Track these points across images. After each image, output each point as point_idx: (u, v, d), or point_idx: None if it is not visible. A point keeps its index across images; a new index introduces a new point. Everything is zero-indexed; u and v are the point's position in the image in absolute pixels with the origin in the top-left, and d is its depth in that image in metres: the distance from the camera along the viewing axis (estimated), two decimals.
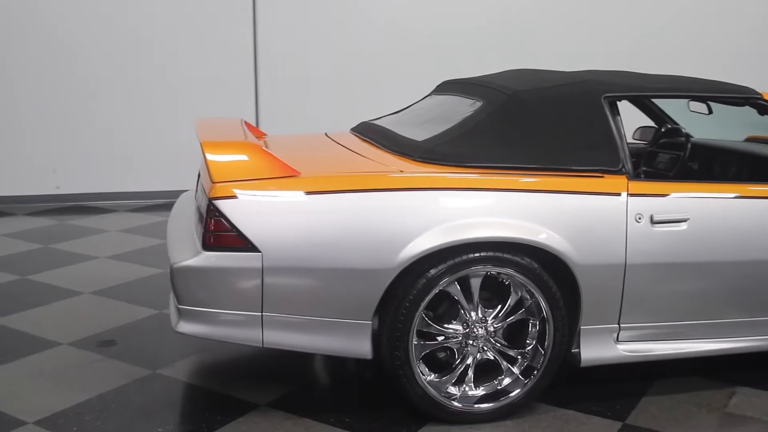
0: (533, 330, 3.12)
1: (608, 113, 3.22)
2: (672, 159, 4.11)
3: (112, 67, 6.81)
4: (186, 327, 2.95)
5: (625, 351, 3.21)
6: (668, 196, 3.16)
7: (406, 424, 3.06)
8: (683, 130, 4.15)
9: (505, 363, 3.11)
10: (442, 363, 3.12)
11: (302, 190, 2.90)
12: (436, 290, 2.95)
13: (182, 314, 2.94)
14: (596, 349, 3.18)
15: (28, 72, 6.67)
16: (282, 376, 3.50)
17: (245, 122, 3.95)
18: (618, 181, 3.11)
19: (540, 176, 3.08)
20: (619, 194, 3.09)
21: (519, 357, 3.13)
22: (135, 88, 6.87)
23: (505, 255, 2.98)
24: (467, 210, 2.97)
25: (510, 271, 3.00)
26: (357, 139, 3.65)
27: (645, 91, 3.50)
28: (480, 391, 3.11)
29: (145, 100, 6.85)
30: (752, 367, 3.63)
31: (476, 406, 3.09)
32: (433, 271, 2.93)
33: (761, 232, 3.23)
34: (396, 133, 3.45)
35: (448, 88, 3.93)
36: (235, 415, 3.12)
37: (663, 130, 4.32)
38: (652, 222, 3.09)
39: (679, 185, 3.26)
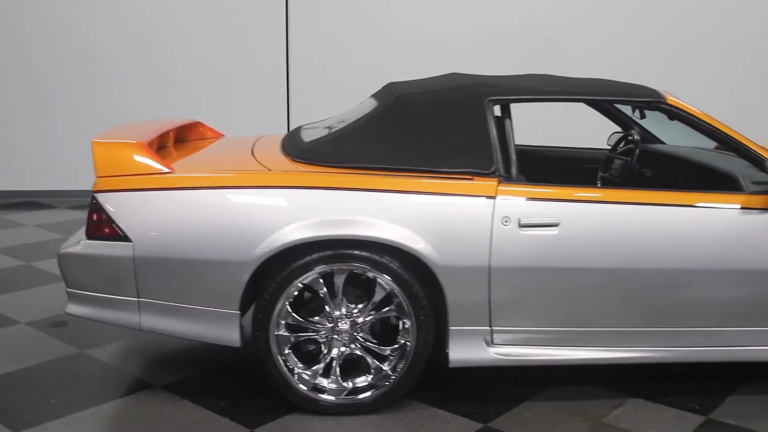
0: (403, 329, 3.18)
1: (489, 117, 3.24)
2: (622, 165, 4.04)
3: (143, 74, 7.29)
4: (74, 309, 3.24)
5: (497, 354, 3.21)
6: (538, 201, 3.14)
7: (273, 411, 3.20)
8: (634, 136, 4.06)
9: (372, 359, 3.19)
10: (312, 355, 3.24)
11: (172, 187, 3.12)
12: (295, 284, 3.08)
13: (70, 297, 3.24)
14: (466, 350, 3.19)
15: (65, 71, 7.24)
16: (192, 361, 3.73)
17: (201, 124, 4.24)
18: (487, 184, 3.13)
19: (408, 177, 3.14)
20: (486, 197, 3.10)
21: (389, 354, 3.20)
22: (170, 95, 7.31)
23: (364, 253, 3.07)
24: (327, 208, 3.09)
25: (371, 269, 3.09)
26: (272, 141, 3.82)
27: (536, 94, 3.47)
28: (349, 385, 3.21)
29: (177, 106, 7.26)
30: (663, 379, 3.52)
31: (342, 398, 3.19)
32: (292, 266, 3.07)
33: (644, 239, 3.15)
34: (299, 135, 3.60)
35: (379, 90, 4.04)
36: (126, 393, 3.38)
37: (623, 136, 4.25)
38: (520, 225, 3.09)
39: (552, 190, 3.21)
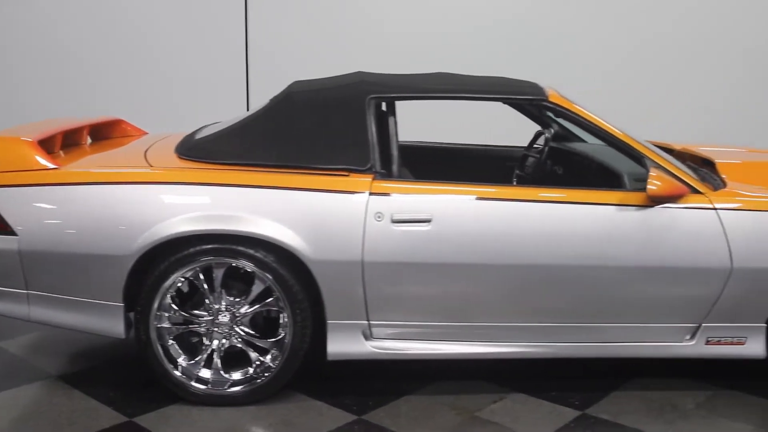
0: (283, 322, 3.25)
1: (368, 114, 3.29)
2: (534, 162, 4.08)
3: (110, 68, 7.33)
4: None
5: (375, 348, 3.27)
6: (411, 197, 3.19)
7: (158, 402, 3.27)
8: (546, 134, 4.10)
9: (253, 352, 3.27)
10: (195, 347, 3.31)
11: (55, 182, 3.21)
12: (173, 278, 3.16)
13: None
14: (344, 343, 3.25)
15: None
16: (96, 353, 3.82)
17: (123, 122, 4.33)
18: (362, 180, 3.19)
19: (285, 174, 3.21)
20: (360, 193, 3.16)
21: (271, 347, 3.27)
22: (127, 90, 7.33)
23: (239, 248, 3.14)
24: (204, 204, 3.16)
25: (248, 263, 3.16)
26: (175, 139, 3.89)
27: (418, 92, 3.51)
28: (232, 376, 3.28)
29: (141, 102, 7.31)
30: (552, 375, 3.55)
31: (224, 389, 3.26)
32: (169, 260, 3.15)
33: (517, 236, 3.19)
34: (194, 133, 3.67)
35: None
36: (24, 383, 3.48)
37: (537, 134, 4.29)
38: (392, 221, 3.14)
39: (425, 186, 3.26)
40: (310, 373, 3.42)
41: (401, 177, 3.35)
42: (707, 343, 3.37)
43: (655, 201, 3.21)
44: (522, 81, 3.65)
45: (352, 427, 3.11)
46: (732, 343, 3.38)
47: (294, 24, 7.39)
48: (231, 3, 7.20)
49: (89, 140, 4.06)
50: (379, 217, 3.14)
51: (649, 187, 3.15)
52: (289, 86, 3.55)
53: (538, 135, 4.28)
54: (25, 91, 7.11)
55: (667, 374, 3.58)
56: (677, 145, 4.20)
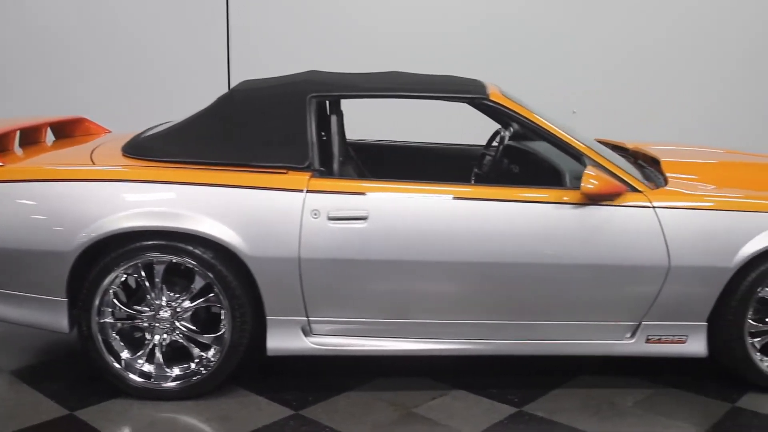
0: (224, 318, 3.29)
1: (309, 113, 3.32)
2: (490, 161, 4.11)
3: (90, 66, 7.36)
4: None
5: (314, 344, 3.30)
6: (348, 194, 3.21)
7: (101, 395, 3.31)
8: (501, 133, 4.12)
9: (194, 347, 3.31)
10: (139, 341, 3.36)
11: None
12: (115, 273, 3.21)
13: None
14: (283, 339, 3.29)
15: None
16: (50, 347, 3.88)
17: (87, 120, 4.38)
18: (299, 178, 3.22)
19: (225, 171, 3.25)
20: (297, 190, 3.19)
21: (212, 343, 3.31)
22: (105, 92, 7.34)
23: (179, 244, 3.18)
24: (144, 201, 3.20)
25: (188, 260, 3.20)
26: (127, 137, 3.93)
27: (359, 90, 3.54)
28: (174, 372, 3.32)
29: (121, 101, 7.35)
30: (496, 372, 3.57)
31: (163, 384, 3.30)
32: (110, 256, 3.19)
33: (453, 233, 3.20)
34: (143, 132, 3.72)
35: None
36: None
37: (495, 132, 4.30)
38: (329, 218, 3.17)
39: (362, 184, 3.29)
40: (261, 369, 3.47)
41: (344, 175, 3.38)
42: (648, 341, 3.37)
43: (591, 199, 3.22)
44: (467, 79, 3.67)
45: (287, 422, 3.14)
46: (673, 342, 3.39)
47: (277, 22, 7.42)
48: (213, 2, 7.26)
49: (52, 138, 4.13)
50: (315, 214, 3.17)
51: (583, 185, 3.16)
52: (236, 85, 3.58)
53: (496, 134, 4.30)
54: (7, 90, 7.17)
55: (612, 372, 3.59)
56: (630, 144, 4.21)
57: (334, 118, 3.40)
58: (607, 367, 3.60)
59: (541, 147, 4.09)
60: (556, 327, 3.35)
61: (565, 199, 3.24)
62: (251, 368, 3.48)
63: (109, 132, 4.50)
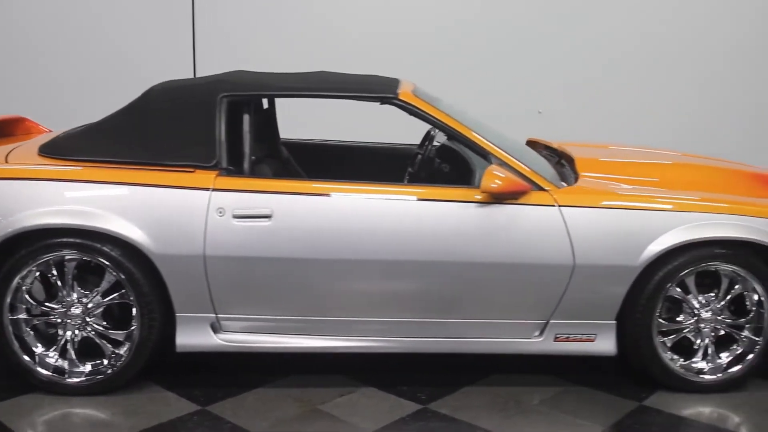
0: (135, 315, 3.33)
1: (219, 112, 3.36)
2: (420, 160, 4.14)
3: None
4: None
5: (223, 341, 3.34)
6: (253, 193, 3.25)
7: (15, 391, 3.36)
8: (431, 133, 4.16)
9: (106, 344, 3.35)
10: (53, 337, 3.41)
11: None
12: (25, 270, 3.26)
13: None
14: (192, 336, 3.33)
15: None
16: None
17: (26, 120, 4.44)
18: (205, 177, 3.26)
19: (134, 170, 3.29)
20: (203, 189, 3.23)
21: (125, 339, 3.35)
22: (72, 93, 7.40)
23: (88, 242, 3.23)
24: (53, 199, 3.24)
25: (98, 257, 3.25)
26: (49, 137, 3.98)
27: (271, 90, 3.57)
28: (86, 367, 3.37)
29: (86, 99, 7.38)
30: (410, 369, 3.60)
31: (74, 379, 3.34)
32: (20, 253, 3.24)
33: (357, 231, 3.23)
34: (63, 132, 3.77)
35: None
36: None
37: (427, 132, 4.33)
38: (234, 217, 3.21)
39: (268, 182, 3.32)
40: (179, 366, 3.53)
41: (258, 174, 3.42)
42: (556, 339, 3.39)
43: (496, 197, 3.25)
44: (384, 79, 3.70)
45: (191, 418, 3.18)
46: (581, 340, 3.40)
47: (244, 23, 7.45)
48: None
49: None
50: (220, 212, 3.21)
51: (483, 183, 3.18)
52: (153, 85, 3.63)
53: (428, 133, 4.32)
54: None
55: (526, 370, 3.61)
56: (555, 143, 4.22)
57: (247, 118, 3.43)
58: (522, 364, 3.61)
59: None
60: (465, 325, 3.37)
61: (472, 197, 3.26)
62: (168, 364, 3.53)
63: (50, 131, 4.55)
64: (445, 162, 4.12)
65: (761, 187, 3.85)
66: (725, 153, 6.77)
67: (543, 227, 3.26)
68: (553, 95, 7.70)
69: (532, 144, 4.41)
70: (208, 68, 7.41)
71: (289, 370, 3.60)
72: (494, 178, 3.19)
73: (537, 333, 3.39)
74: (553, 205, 3.27)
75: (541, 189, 3.31)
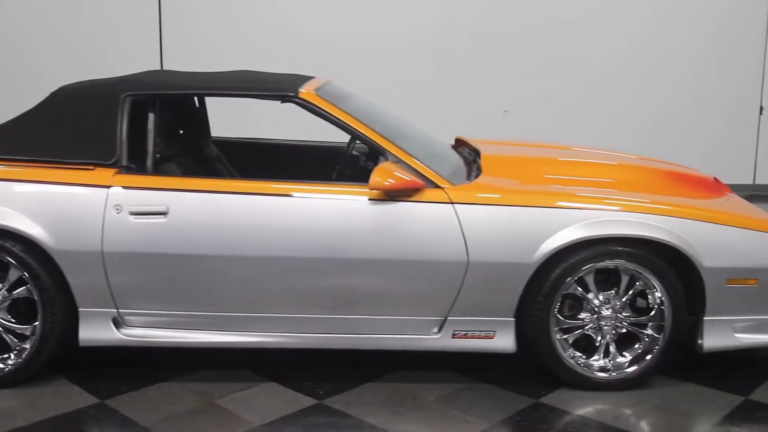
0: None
1: (122, 111, 3.42)
2: (344, 158, 4.17)
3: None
4: None
5: (125, 335, 3.40)
6: (149, 190, 3.31)
7: None
8: None
9: (13, 338, 3.43)
10: None
11: None
12: None
13: None
14: (94, 330, 3.40)
15: None
16: None
17: None
18: (104, 174, 3.32)
19: (35, 167, 3.36)
20: (101, 186, 3.30)
21: (31, 333, 3.42)
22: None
23: None
24: None
25: (1, 253, 3.32)
26: None
27: (174, 89, 3.60)
28: None
29: None
30: (321, 365, 3.64)
31: None
32: None
33: (251, 228, 3.28)
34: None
35: None
36: None
37: None
38: (130, 213, 3.27)
39: (164, 179, 3.37)
40: (89, 360, 3.61)
41: (161, 172, 3.47)
42: (454, 336, 3.41)
43: (389, 194, 3.27)
44: (294, 77, 3.73)
45: (87, 410, 3.24)
46: (480, 337, 3.41)
47: (210, 22, 7.51)
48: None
49: None
50: (118, 209, 3.27)
51: (371, 180, 3.21)
52: (63, 85, 3.69)
53: None
54: None
55: (434, 367, 3.62)
56: (473, 141, 4.22)
57: (152, 117, 3.48)
58: (433, 361, 3.63)
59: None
60: (363, 321, 3.39)
61: (366, 194, 3.28)
62: (75, 358, 3.60)
63: None
64: (371, 160, 4.15)
65: (691, 189, 3.84)
66: (692, 154, 6.73)
67: (436, 224, 3.28)
68: (522, 95, 7.71)
69: (459, 142, 4.42)
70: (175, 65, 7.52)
71: (199, 365, 3.65)
72: (379, 174, 3.22)
73: (435, 330, 3.41)
74: (447, 203, 3.29)
75: (436, 186, 3.33)
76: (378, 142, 3.40)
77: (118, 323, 3.41)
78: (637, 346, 3.46)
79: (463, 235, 3.27)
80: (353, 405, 3.29)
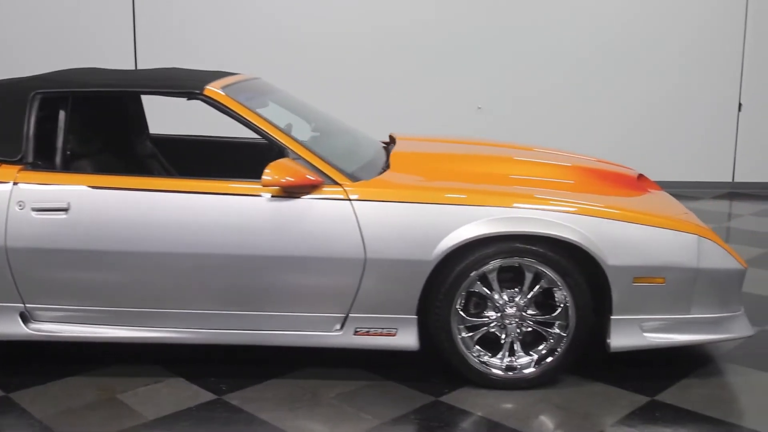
0: None
1: (30, 108, 3.46)
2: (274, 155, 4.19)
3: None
4: None
5: (32, 330, 3.44)
6: (51, 186, 3.34)
7: None
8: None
9: None
10: None
11: None
12: None
13: None
14: (3, 325, 3.44)
15: None
16: None
17: None
18: (9, 171, 3.37)
19: None
20: (5, 182, 3.34)
21: None
22: None
23: None
24: None
25: None
26: None
27: (84, 87, 3.63)
28: None
29: None
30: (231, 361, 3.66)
31: None
32: None
33: (152, 224, 3.30)
34: None
35: None
36: None
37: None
38: (33, 210, 3.31)
39: (67, 176, 3.40)
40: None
41: (74, 169, 3.52)
42: (356, 333, 3.40)
43: (287, 191, 3.28)
44: (210, 73, 3.75)
45: None
46: (382, 334, 3.40)
47: (185, 17, 7.59)
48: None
49: None
50: (21, 205, 3.32)
51: (262, 176, 3.21)
52: None
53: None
54: None
55: (342, 364, 3.61)
56: (402, 137, 4.24)
57: (62, 114, 3.53)
58: (344, 358, 3.62)
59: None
60: (266, 317, 3.40)
61: (266, 191, 3.29)
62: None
63: None
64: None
65: (609, 186, 3.80)
66: (673, 153, 6.62)
67: (333, 220, 3.28)
68: (499, 93, 7.69)
69: (392, 139, 4.41)
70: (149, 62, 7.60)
71: (112, 359, 3.68)
72: (271, 171, 3.23)
73: (337, 327, 3.40)
74: (345, 199, 3.28)
75: (335, 183, 3.32)
76: (279, 138, 3.40)
77: (26, 318, 3.46)
78: (543, 345, 3.42)
79: (360, 232, 3.26)
80: (251, 401, 3.30)
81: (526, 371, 3.41)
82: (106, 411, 3.23)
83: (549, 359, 3.40)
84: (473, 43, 7.58)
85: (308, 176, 3.26)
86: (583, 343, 3.39)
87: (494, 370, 3.41)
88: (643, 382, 3.48)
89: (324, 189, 3.30)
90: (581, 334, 3.36)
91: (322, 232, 3.28)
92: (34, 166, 3.42)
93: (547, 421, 3.17)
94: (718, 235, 3.51)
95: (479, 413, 3.22)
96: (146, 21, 7.42)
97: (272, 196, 3.29)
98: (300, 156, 3.35)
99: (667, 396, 3.36)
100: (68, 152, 3.53)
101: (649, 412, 3.22)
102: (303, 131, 3.94)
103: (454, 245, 3.24)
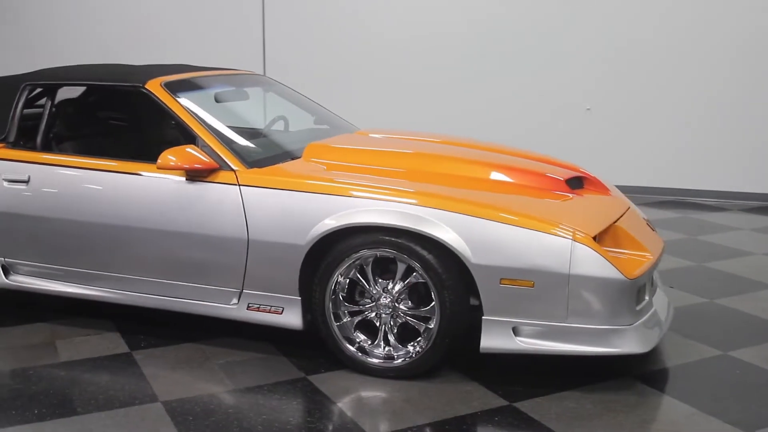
0: None
1: (20, 96, 4.17)
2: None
3: None
4: None
5: (12, 281, 4.14)
6: (18, 163, 4.02)
7: None
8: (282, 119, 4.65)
9: None
10: None
11: None
12: None
13: None
14: None
15: None
16: None
17: None
18: None
19: None
20: None
21: None
22: None
23: None
24: None
25: None
26: None
27: (60, 80, 4.21)
28: None
29: None
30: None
31: None
32: None
33: (90, 198, 3.86)
34: None
35: None
36: None
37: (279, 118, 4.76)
38: (4, 180, 4.01)
39: (28, 154, 4.05)
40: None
41: (56, 150, 4.18)
42: (249, 308, 3.68)
43: (189, 174, 3.65)
44: (156, 68, 4.23)
45: None
46: (270, 312, 3.65)
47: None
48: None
49: None
50: None
51: (158, 159, 3.60)
52: None
53: (275, 119, 4.71)
54: None
55: (260, 337, 3.89)
56: (365, 132, 4.44)
57: (47, 101, 4.19)
58: (262, 332, 3.90)
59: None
60: (177, 287, 3.79)
61: (166, 173, 3.69)
62: None
63: None
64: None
65: (521, 187, 3.72)
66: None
67: (223, 202, 3.60)
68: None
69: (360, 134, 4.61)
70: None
71: (76, 314, 4.29)
72: (167, 154, 3.61)
73: (234, 300, 3.71)
74: (235, 184, 3.58)
75: (230, 169, 3.63)
76: (194, 129, 3.77)
77: (6, 270, 4.16)
78: (418, 338, 3.47)
79: (245, 215, 3.54)
80: (152, 357, 3.72)
81: (396, 362, 3.48)
82: (38, 352, 3.82)
83: (416, 351, 3.45)
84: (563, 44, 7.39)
85: (201, 160, 3.60)
86: (453, 339, 3.39)
87: (370, 358, 3.52)
88: (519, 387, 3.39)
89: (221, 174, 3.63)
90: (449, 330, 3.37)
91: (213, 213, 3.61)
92: (15, 145, 4.11)
93: (384, 413, 3.21)
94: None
95: (327, 394, 3.34)
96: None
97: (181, 179, 3.67)
98: (207, 144, 3.70)
99: (527, 404, 3.25)
100: (51, 135, 4.19)
101: (489, 416, 3.16)
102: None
103: (322, 233, 3.42)
